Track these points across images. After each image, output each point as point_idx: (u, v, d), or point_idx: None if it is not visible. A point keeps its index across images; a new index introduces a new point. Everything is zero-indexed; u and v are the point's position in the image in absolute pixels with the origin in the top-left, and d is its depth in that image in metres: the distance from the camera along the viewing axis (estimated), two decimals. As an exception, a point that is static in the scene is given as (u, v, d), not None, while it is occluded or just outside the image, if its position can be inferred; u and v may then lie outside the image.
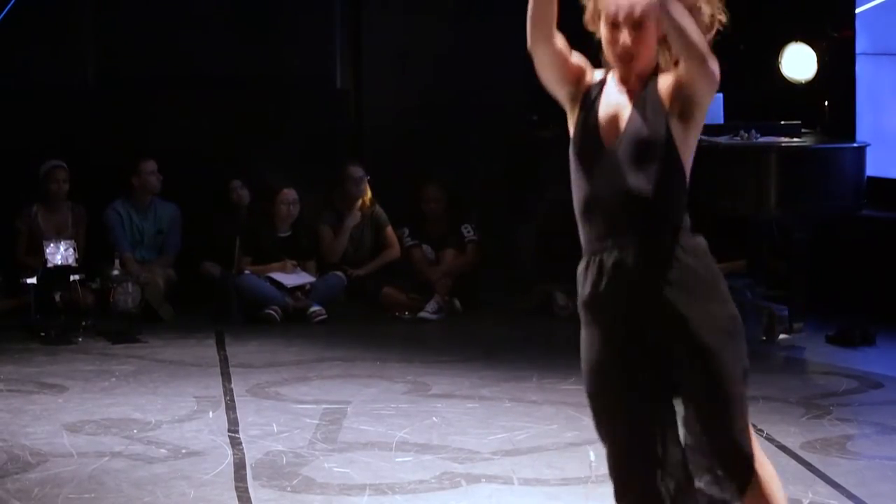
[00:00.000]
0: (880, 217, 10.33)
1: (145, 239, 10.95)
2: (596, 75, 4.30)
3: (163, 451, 6.91)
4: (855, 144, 10.04)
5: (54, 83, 11.32)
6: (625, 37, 4.16)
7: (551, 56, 4.26)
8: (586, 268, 4.23)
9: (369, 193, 11.17)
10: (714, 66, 4.06)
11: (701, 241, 4.21)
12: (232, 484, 6.38)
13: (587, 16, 4.29)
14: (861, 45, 10.91)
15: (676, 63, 4.16)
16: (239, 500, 6.15)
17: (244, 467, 6.62)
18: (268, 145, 11.52)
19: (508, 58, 12.04)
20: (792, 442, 7.02)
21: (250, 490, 6.28)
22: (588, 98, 4.26)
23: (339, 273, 10.83)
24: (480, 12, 11.99)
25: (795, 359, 9.19)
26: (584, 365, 4.26)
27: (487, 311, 10.68)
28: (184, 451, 6.91)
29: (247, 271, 10.59)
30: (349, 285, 10.85)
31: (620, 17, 4.15)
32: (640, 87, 4.20)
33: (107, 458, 6.75)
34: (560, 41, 4.26)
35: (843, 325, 9.53)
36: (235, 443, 7.04)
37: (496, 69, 11.82)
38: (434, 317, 10.53)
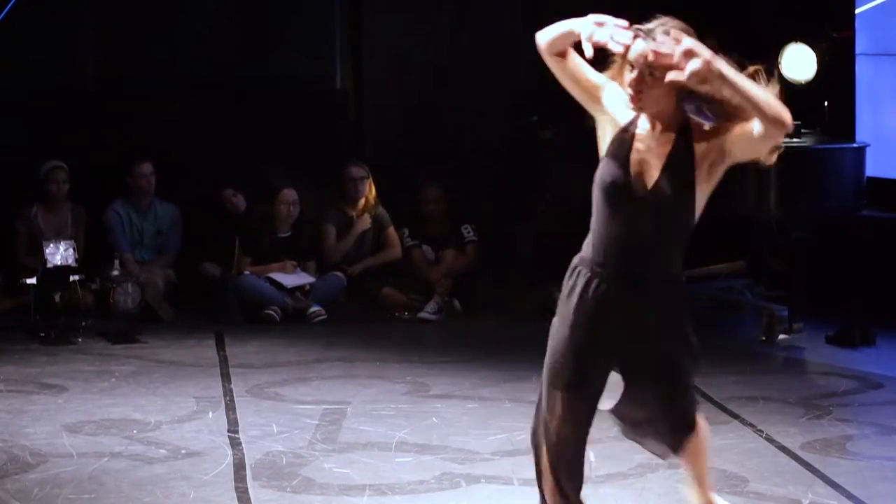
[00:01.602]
0: (880, 217, 10.32)
1: (145, 239, 10.94)
2: (621, 108, 4.50)
3: (163, 451, 6.91)
4: (855, 144, 10.04)
5: (54, 83, 11.31)
6: (635, 76, 4.39)
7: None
8: (577, 277, 4.55)
9: (373, 193, 11.16)
10: (789, 117, 4.30)
11: (680, 280, 4.57)
12: (232, 484, 6.38)
13: (612, 71, 4.53)
14: (861, 45, 10.90)
15: (717, 130, 4.38)
16: (239, 501, 6.15)
17: (244, 468, 6.62)
18: (268, 145, 11.51)
19: (508, 58, 12.08)
20: (792, 442, 7.02)
21: (250, 490, 6.28)
22: (621, 136, 4.47)
23: (338, 273, 10.83)
24: (480, 12, 11.99)
25: (795, 359, 9.19)
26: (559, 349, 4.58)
27: (487, 312, 10.67)
28: (183, 451, 6.91)
29: (246, 272, 10.59)
30: (349, 284, 10.84)
31: (633, 61, 4.39)
32: (670, 144, 4.40)
33: (107, 459, 6.75)
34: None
35: (843, 325, 9.53)
36: (235, 443, 7.04)
37: (496, 69, 11.81)
38: (434, 317, 10.53)
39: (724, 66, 4.26)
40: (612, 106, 4.53)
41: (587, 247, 4.56)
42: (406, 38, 11.87)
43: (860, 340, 9.41)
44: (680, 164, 4.39)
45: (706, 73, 4.23)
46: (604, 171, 4.47)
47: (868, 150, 9.79)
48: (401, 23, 11.89)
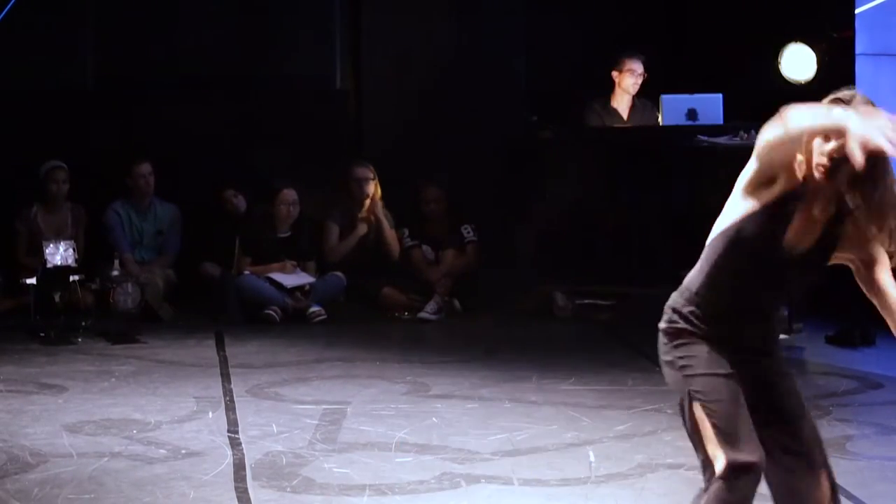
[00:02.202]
0: (880, 217, 10.30)
1: (145, 239, 10.95)
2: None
3: (162, 451, 6.91)
4: (855, 144, 10.01)
5: (54, 83, 11.32)
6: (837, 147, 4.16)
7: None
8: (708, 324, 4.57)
9: (379, 193, 11.15)
10: None
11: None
12: (232, 484, 6.37)
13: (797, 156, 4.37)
14: (861, 45, 10.89)
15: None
16: (238, 501, 6.15)
17: (244, 468, 6.62)
18: (268, 146, 11.51)
19: (508, 58, 12.09)
20: (792, 442, 7.01)
21: (250, 490, 6.27)
22: (789, 196, 4.38)
23: (338, 273, 10.83)
24: (480, 12, 11.99)
25: (795, 359, 9.18)
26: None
27: (487, 312, 10.67)
28: (183, 451, 6.90)
29: (246, 272, 10.59)
30: (349, 283, 10.83)
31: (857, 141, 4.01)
32: (830, 220, 4.41)
33: (106, 459, 6.75)
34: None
35: (843, 325, 9.52)
36: (235, 443, 7.03)
37: (496, 69, 11.81)
38: (434, 317, 10.53)
39: None
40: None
41: (704, 303, 4.54)
42: (406, 38, 11.87)
43: (860, 340, 9.40)
44: (829, 241, 4.49)
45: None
46: (761, 226, 4.43)
47: (868, 150, 9.77)
48: (401, 23, 11.89)
